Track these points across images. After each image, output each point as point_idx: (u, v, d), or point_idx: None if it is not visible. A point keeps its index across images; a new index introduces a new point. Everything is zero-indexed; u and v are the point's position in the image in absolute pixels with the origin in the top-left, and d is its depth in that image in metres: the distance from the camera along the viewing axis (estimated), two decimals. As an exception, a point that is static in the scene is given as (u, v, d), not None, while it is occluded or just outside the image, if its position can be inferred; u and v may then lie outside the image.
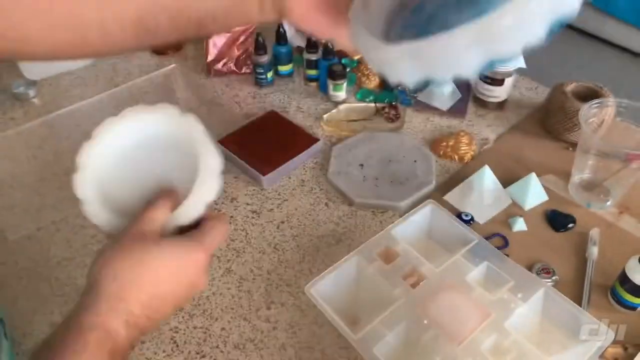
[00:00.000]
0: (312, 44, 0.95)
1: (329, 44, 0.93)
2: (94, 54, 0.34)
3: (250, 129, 0.87)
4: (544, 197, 0.75)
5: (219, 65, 1.02)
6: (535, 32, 0.20)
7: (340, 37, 0.33)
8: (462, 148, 0.83)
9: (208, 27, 0.32)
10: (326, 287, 0.58)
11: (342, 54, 0.99)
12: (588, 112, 0.72)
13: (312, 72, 0.98)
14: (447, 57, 0.22)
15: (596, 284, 0.64)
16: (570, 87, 0.84)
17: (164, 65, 1.05)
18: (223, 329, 0.61)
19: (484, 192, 0.74)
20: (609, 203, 0.74)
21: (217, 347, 0.59)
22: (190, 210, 0.36)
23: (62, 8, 0.30)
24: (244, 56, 1.03)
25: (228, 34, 1.01)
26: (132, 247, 0.33)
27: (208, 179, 0.36)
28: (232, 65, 1.02)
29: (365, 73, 0.99)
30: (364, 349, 0.52)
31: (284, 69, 1.00)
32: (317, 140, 0.84)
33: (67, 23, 0.30)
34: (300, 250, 0.70)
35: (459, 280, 0.58)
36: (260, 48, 0.94)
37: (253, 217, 0.74)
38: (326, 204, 0.76)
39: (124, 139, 0.38)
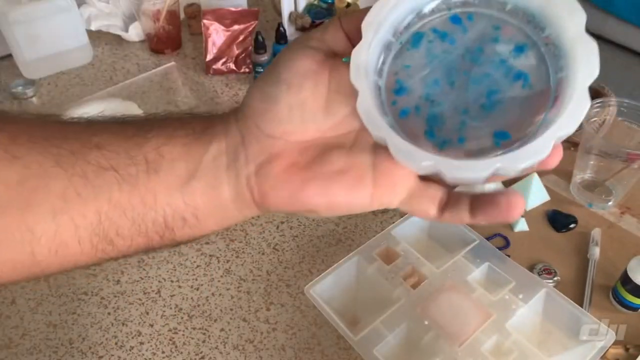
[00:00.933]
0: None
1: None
2: (40, 274, 0.26)
3: None
4: (546, 197, 0.75)
5: (218, 64, 1.02)
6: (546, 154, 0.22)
7: (310, 198, 0.26)
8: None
9: (177, 231, 0.27)
10: (326, 288, 0.58)
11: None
12: (590, 112, 0.71)
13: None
14: (462, 175, 0.23)
15: (598, 284, 0.64)
16: (571, 87, 0.84)
17: (162, 64, 1.05)
18: (222, 329, 0.61)
19: (485, 191, 0.73)
20: (610, 203, 0.74)
21: (217, 348, 0.59)
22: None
23: (9, 220, 0.24)
24: (243, 55, 1.02)
25: (227, 33, 1.00)
26: None
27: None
28: (231, 64, 1.02)
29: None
30: (364, 350, 0.52)
31: (283, 68, 0.99)
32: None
33: (14, 238, 0.24)
34: (300, 250, 0.69)
35: (459, 281, 0.58)
36: (260, 47, 0.93)
37: (252, 217, 0.74)
38: (326, 204, 0.76)
39: None
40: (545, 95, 0.23)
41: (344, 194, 0.25)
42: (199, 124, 0.27)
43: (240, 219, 0.28)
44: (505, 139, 0.23)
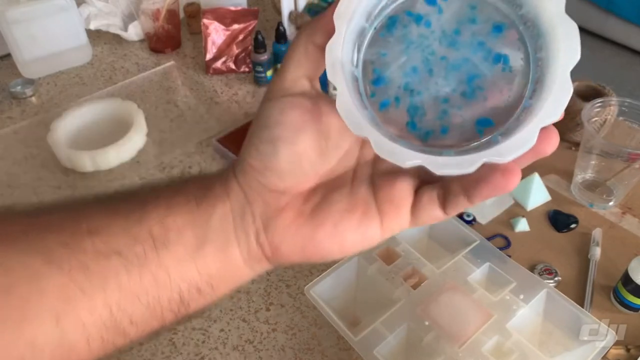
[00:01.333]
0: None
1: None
2: None
3: (249, 128, 0.86)
4: (547, 197, 0.74)
5: (218, 64, 1.01)
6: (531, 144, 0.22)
7: (322, 243, 0.25)
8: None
9: (192, 304, 0.25)
10: (326, 288, 0.58)
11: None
12: (591, 112, 0.71)
13: (312, 71, 0.97)
14: (448, 172, 0.22)
15: (599, 285, 0.64)
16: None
17: (162, 63, 1.05)
18: (222, 330, 0.60)
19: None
20: (611, 203, 0.74)
21: (216, 348, 0.59)
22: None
23: (3, 337, 0.21)
24: (243, 54, 1.02)
25: (227, 32, 1.00)
26: None
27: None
28: (231, 64, 1.02)
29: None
30: (364, 350, 0.51)
31: (283, 67, 0.99)
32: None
33: (11, 357, 0.21)
34: (300, 250, 0.69)
35: (460, 281, 0.57)
36: (259, 46, 0.93)
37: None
38: (326, 204, 0.76)
39: None
40: (525, 77, 0.23)
41: (354, 232, 0.25)
42: (197, 188, 0.26)
43: (251, 276, 0.27)
44: (488, 126, 0.23)
